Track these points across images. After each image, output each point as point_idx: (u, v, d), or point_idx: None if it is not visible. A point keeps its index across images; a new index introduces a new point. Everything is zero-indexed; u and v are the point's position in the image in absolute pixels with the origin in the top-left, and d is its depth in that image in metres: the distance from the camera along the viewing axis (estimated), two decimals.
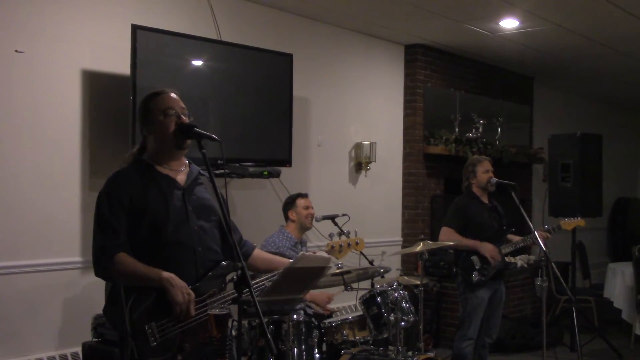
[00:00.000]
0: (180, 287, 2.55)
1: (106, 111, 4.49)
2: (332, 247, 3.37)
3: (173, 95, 2.76)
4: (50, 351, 4.23)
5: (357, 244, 3.54)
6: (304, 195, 4.94)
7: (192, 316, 2.58)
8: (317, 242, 5.63)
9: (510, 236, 5.18)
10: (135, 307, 2.54)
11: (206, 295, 2.66)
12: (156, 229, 2.63)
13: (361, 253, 5.01)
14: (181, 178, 2.77)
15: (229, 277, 2.82)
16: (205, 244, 2.73)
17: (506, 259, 5.07)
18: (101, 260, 2.61)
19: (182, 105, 2.75)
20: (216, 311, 2.53)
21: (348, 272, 4.29)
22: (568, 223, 5.24)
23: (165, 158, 2.75)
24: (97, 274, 2.65)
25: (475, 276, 4.90)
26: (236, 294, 2.43)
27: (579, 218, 5.33)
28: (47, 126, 4.23)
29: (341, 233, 3.65)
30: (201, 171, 2.87)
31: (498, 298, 5.08)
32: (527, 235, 5.01)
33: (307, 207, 4.86)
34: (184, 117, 2.71)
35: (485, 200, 5.08)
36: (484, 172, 5.04)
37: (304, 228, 4.88)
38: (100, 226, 2.63)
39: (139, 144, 2.81)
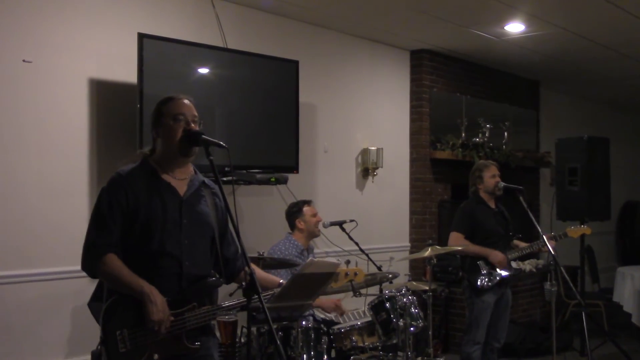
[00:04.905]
0: (158, 305, 2.53)
1: (113, 120, 4.50)
2: None
3: (186, 101, 2.75)
4: None
5: (355, 274, 3.30)
6: (308, 202, 4.92)
7: (164, 333, 2.55)
8: (325, 248, 5.64)
9: (516, 242, 5.17)
10: (113, 309, 2.55)
11: (184, 309, 2.62)
12: (146, 237, 2.62)
13: (369, 259, 5.00)
14: (182, 188, 2.74)
15: (236, 285, 2.80)
16: (193, 258, 2.69)
17: (514, 264, 5.05)
18: (89, 256, 2.61)
19: (195, 113, 2.73)
20: (225, 318, 2.52)
21: None
22: (574, 231, 5.23)
23: (170, 164, 2.73)
24: (83, 269, 2.64)
25: (480, 282, 4.89)
26: (238, 302, 2.43)
27: (585, 226, 5.33)
28: (55, 135, 4.24)
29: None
30: (206, 181, 2.83)
31: (504, 302, 5.07)
32: (534, 242, 5.00)
33: (314, 215, 4.85)
34: (193, 125, 2.70)
35: (492, 205, 5.07)
36: (490, 176, 5.03)
37: (312, 236, 4.87)
38: (97, 222, 2.64)
39: (151, 145, 2.80)
